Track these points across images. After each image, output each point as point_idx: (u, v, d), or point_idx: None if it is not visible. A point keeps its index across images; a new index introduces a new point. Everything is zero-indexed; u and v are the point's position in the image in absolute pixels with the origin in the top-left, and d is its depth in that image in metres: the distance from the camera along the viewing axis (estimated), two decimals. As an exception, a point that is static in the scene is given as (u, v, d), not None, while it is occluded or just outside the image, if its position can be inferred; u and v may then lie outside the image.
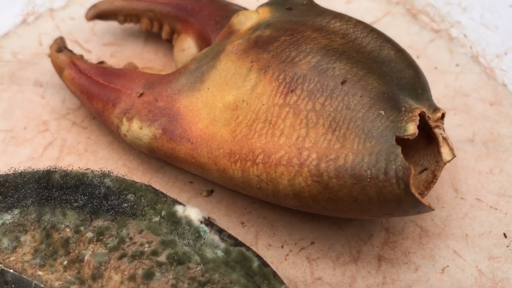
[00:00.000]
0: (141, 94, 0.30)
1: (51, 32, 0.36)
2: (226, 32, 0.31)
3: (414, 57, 0.36)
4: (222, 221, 0.29)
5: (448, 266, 0.28)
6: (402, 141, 0.24)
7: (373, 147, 0.24)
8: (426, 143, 0.28)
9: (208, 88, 0.28)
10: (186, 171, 0.31)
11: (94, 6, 0.34)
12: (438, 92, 0.35)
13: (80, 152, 0.31)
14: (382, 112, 0.24)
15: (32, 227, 0.25)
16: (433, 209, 0.24)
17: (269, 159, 0.25)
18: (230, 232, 0.26)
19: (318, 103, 0.25)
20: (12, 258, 0.24)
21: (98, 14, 0.34)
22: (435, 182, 0.27)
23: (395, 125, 0.24)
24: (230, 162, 0.26)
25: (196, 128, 0.28)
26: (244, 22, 0.30)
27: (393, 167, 0.23)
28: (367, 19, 0.38)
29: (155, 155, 0.29)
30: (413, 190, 0.23)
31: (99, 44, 0.36)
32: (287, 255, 0.29)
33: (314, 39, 0.27)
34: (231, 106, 0.27)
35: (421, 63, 0.36)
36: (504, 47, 0.37)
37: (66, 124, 0.33)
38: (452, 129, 0.33)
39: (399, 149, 0.23)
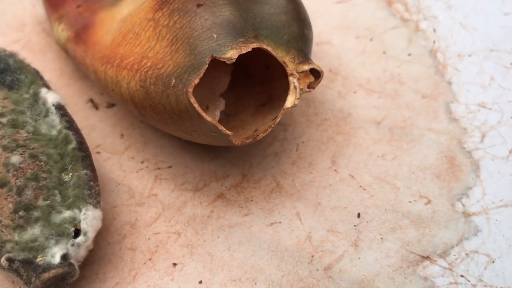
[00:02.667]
0: (79, 6, 0.34)
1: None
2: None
3: (367, 38, 0.35)
4: (106, 131, 0.32)
5: (280, 222, 0.28)
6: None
7: (190, 61, 0.25)
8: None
9: (121, 6, 0.31)
10: (103, 84, 0.34)
11: None
12: (373, 74, 0.33)
13: (34, 51, 0.36)
14: (215, 35, 0.25)
15: None
16: (228, 134, 0.24)
17: (121, 63, 0.27)
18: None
19: (172, 20, 0.27)
20: None
21: None
22: (272, 126, 0.26)
23: (219, 48, 0.25)
24: (100, 64, 0.29)
25: (96, 35, 0.31)
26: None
27: (190, 78, 0.24)
28: (339, -3, 0.38)
29: (68, 56, 0.33)
30: (192, 100, 0.23)
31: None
32: (141, 169, 0.30)
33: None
34: (122, 18, 0.30)
35: (372, 45, 0.35)
36: (472, 49, 0.34)
37: (38, 29, 0.38)
38: (364, 108, 0.32)
39: (205, 66, 0.24)
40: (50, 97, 0.29)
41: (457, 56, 0.34)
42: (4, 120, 0.27)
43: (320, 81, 0.27)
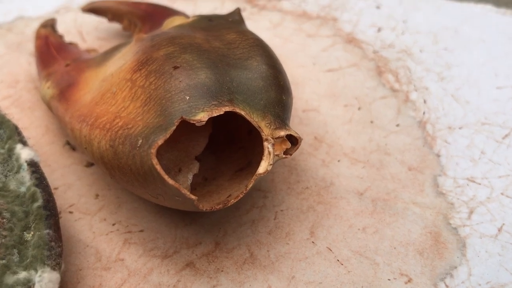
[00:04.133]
0: (67, 65, 0.34)
1: (68, 22, 0.43)
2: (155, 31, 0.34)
3: (355, 107, 0.35)
4: (82, 190, 0.31)
5: (250, 296, 0.26)
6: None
7: (158, 122, 0.24)
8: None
9: (106, 66, 0.31)
10: (85, 142, 0.34)
11: (92, 2, 0.41)
12: (358, 144, 0.32)
13: (24, 108, 0.37)
14: (187, 97, 0.25)
15: None
16: (193, 198, 0.23)
17: (95, 122, 0.27)
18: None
19: (148, 81, 0.26)
20: None
21: (93, 9, 0.40)
22: (244, 192, 0.25)
23: (190, 110, 0.24)
24: (76, 122, 0.29)
25: (78, 94, 0.31)
26: (170, 24, 0.33)
27: (155, 138, 0.23)
28: (331, 65, 0.38)
29: (53, 113, 0.33)
30: (154, 161, 0.22)
31: (94, 37, 0.42)
32: (111, 232, 0.29)
33: (192, 38, 0.29)
34: (104, 78, 0.30)
35: (359, 114, 0.34)
36: (463, 122, 0.33)
37: (30, 86, 0.38)
38: (347, 178, 0.31)
39: (172, 127, 0.23)
40: (24, 153, 0.28)
41: (448, 128, 0.33)
42: (-27, 174, 0.27)
43: (297, 148, 0.27)
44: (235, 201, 0.25)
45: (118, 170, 0.26)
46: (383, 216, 0.29)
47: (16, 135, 0.29)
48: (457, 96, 0.35)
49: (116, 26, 0.43)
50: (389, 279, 0.26)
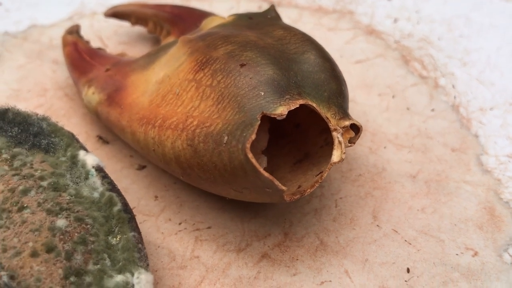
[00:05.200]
0: (108, 69, 0.34)
1: (85, 28, 0.43)
2: (194, 31, 0.34)
3: (389, 96, 0.36)
4: (139, 193, 0.31)
5: (330, 281, 0.27)
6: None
7: (239, 118, 0.25)
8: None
9: (154, 69, 0.32)
10: (131, 147, 0.34)
11: (114, 7, 0.41)
12: (400, 130, 0.34)
13: (58, 115, 0.36)
14: (262, 93, 0.25)
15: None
16: (283, 189, 0.24)
17: (164, 123, 0.27)
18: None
19: (215, 80, 0.27)
20: None
21: (115, 13, 0.40)
22: (320, 181, 0.26)
23: (268, 105, 0.25)
24: (138, 125, 0.29)
25: (130, 97, 0.31)
26: (209, 24, 0.34)
27: (244, 134, 0.24)
28: (358, 57, 0.39)
29: (99, 118, 0.33)
30: (250, 155, 0.23)
31: (116, 42, 0.42)
32: (180, 231, 0.29)
33: (245, 36, 0.29)
34: (159, 80, 0.30)
35: (395, 102, 0.36)
36: (492, 103, 0.35)
37: (60, 94, 0.38)
38: (397, 163, 0.32)
39: (257, 123, 0.24)
40: (89, 159, 0.28)
41: (479, 110, 0.35)
42: (44, 183, 0.27)
43: (359, 136, 0.28)
44: (311, 190, 0.26)
45: (198, 168, 0.26)
46: (438, 196, 0.30)
47: (75, 142, 0.29)
48: (482, 80, 0.37)
49: (136, 29, 0.42)
50: (457, 254, 0.28)
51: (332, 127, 0.27)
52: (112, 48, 0.41)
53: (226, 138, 0.24)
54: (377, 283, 0.27)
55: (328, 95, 0.27)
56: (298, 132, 0.32)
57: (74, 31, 0.38)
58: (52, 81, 0.39)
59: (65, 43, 0.37)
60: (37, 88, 0.38)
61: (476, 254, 0.28)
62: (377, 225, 0.29)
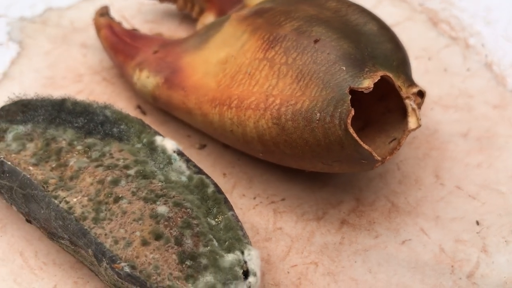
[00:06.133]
0: (156, 52, 0.34)
1: (105, 8, 0.42)
2: (238, 8, 0.34)
3: (425, 58, 0.38)
4: (206, 171, 0.32)
5: (410, 239, 0.29)
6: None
7: (327, 94, 0.26)
8: (401, 118, 0.29)
9: (209, 48, 0.32)
10: (187, 126, 0.34)
11: (140, -16, 0.40)
12: (442, 91, 0.36)
13: (102, 100, 0.36)
14: (344, 68, 0.26)
15: (37, 137, 0.29)
16: (379, 160, 0.25)
17: (242, 104, 0.28)
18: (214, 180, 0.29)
19: (290, 57, 0.28)
20: (13, 155, 0.28)
21: (142, -9, 0.40)
22: (398, 149, 0.28)
23: (353, 79, 0.26)
24: (211, 107, 0.29)
25: (191, 79, 0.31)
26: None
27: (339, 110, 0.25)
28: (388, 21, 0.40)
29: (156, 102, 0.33)
30: (351, 130, 0.24)
31: (141, 21, 0.41)
32: (256, 205, 0.30)
33: (304, 10, 0.30)
34: (222, 61, 0.30)
35: (432, 65, 0.37)
36: (522, 59, 0.37)
37: (97, 78, 0.37)
38: (447, 123, 0.34)
39: (348, 97, 0.25)
40: (168, 144, 0.28)
41: (511, 67, 0.37)
42: (131, 172, 0.27)
43: (423, 101, 0.29)
44: (391, 157, 0.27)
45: (284, 145, 0.27)
46: (491, 151, 0.32)
47: (147, 128, 0.29)
48: (507, 37, 0.39)
49: (161, 6, 0.42)
50: (518, 204, 0.30)
51: (404, 95, 0.28)
52: (139, 27, 0.41)
53: (318, 115, 0.25)
54: (452, 237, 0.29)
55: (397, 64, 0.28)
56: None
57: (105, 13, 0.38)
58: (85, 66, 0.38)
59: (99, 27, 0.37)
60: (71, 74, 0.38)
61: (535, 202, 0.30)
62: (441, 184, 0.31)
